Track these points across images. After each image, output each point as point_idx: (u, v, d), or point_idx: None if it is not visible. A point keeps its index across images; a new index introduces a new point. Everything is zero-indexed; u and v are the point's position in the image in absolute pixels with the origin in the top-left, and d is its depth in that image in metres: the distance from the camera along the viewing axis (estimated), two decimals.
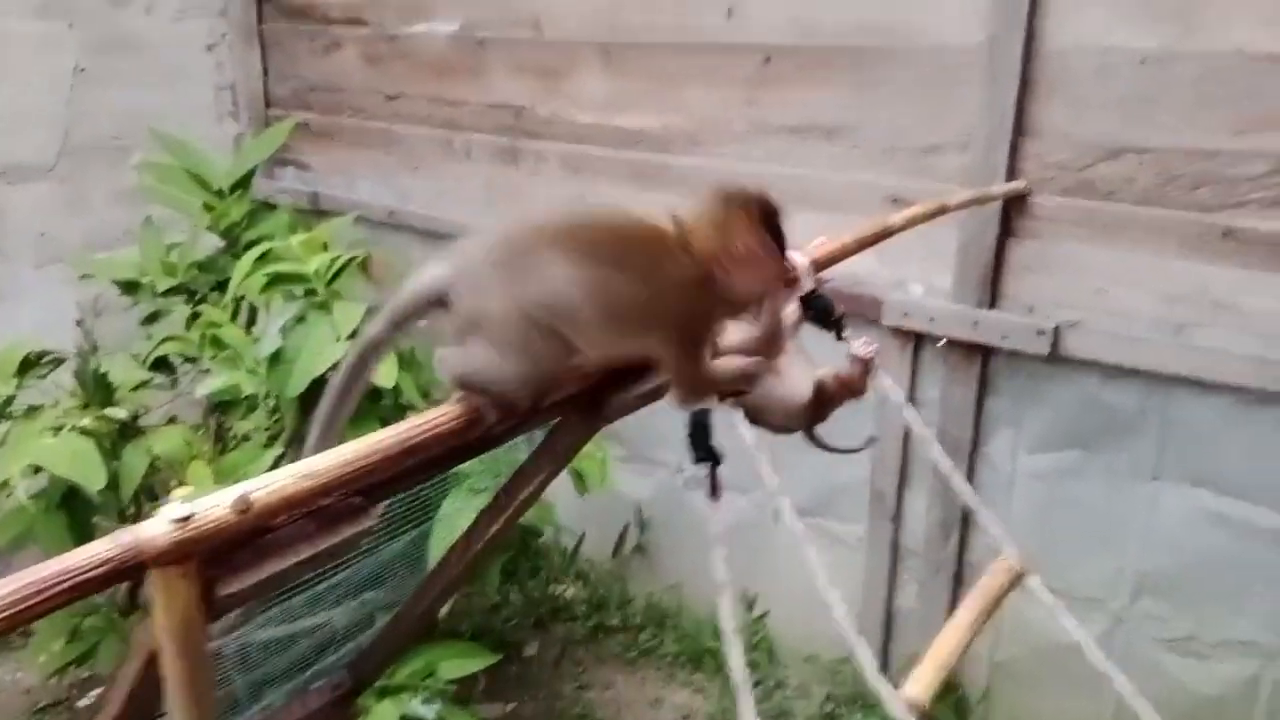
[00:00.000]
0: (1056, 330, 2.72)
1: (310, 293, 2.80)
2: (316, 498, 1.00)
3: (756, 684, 3.51)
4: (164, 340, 3.00)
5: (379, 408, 2.70)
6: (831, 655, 3.46)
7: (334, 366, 2.67)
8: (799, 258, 1.69)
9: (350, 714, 2.19)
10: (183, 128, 3.74)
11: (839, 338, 1.76)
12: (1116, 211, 2.60)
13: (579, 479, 3.10)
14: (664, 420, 1.75)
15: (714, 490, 1.51)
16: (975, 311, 2.84)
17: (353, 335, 2.69)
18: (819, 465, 3.33)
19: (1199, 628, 2.78)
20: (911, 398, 3.07)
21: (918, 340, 3.00)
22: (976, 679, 3.21)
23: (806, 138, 3.09)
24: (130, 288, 3.22)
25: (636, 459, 3.74)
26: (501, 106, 3.74)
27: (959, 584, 3.15)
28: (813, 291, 1.71)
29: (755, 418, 1.82)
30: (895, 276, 3.02)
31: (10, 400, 2.61)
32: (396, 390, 2.69)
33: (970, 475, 3.02)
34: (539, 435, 1.60)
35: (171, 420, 3.00)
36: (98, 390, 2.61)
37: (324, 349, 2.65)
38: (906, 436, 3.11)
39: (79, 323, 2.66)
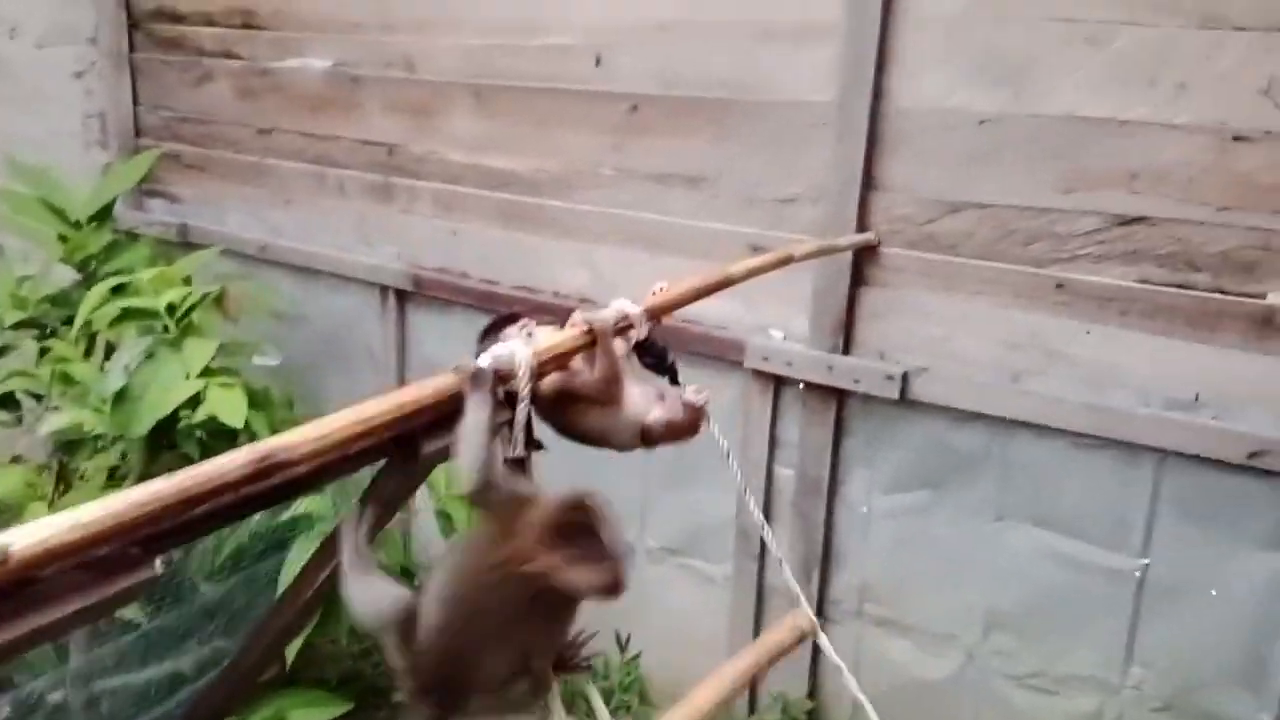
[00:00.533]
0: (905, 375, 2.82)
1: (164, 329, 2.74)
2: (85, 549, 0.98)
3: None
4: (9, 375, 2.89)
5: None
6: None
7: (184, 405, 2.63)
8: (631, 306, 1.72)
9: None
10: (48, 155, 3.64)
11: (673, 382, 1.79)
12: (958, 264, 2.72)
13: (446, 520, 3.08)
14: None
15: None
16: (830, 356, 2.93)
17: (204, 373, 2.64)
18: (687, 505, 3.39)
19: (1045, 663, 2.89)
20: (772, 437, 3.14)
21: (778, 383, 3.08)
22: (841, 714, 3.27)
23: (671, 185, 3.16)
24: None
25: None
26: (374, 144, 3.74)
27: (822, 621, 3.21)
28: (647, 339, 1.74)
29: (600, 442, 1.83)
30: (757, 321, 3.09)
31: None
32: (249, 429, 2.64)
33: (829, 515, 3.10)
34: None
35: (15, 459, 2.88)
36: None
37: (172, 386, 2.59)
38: (770, 475, 3.18)
39: None
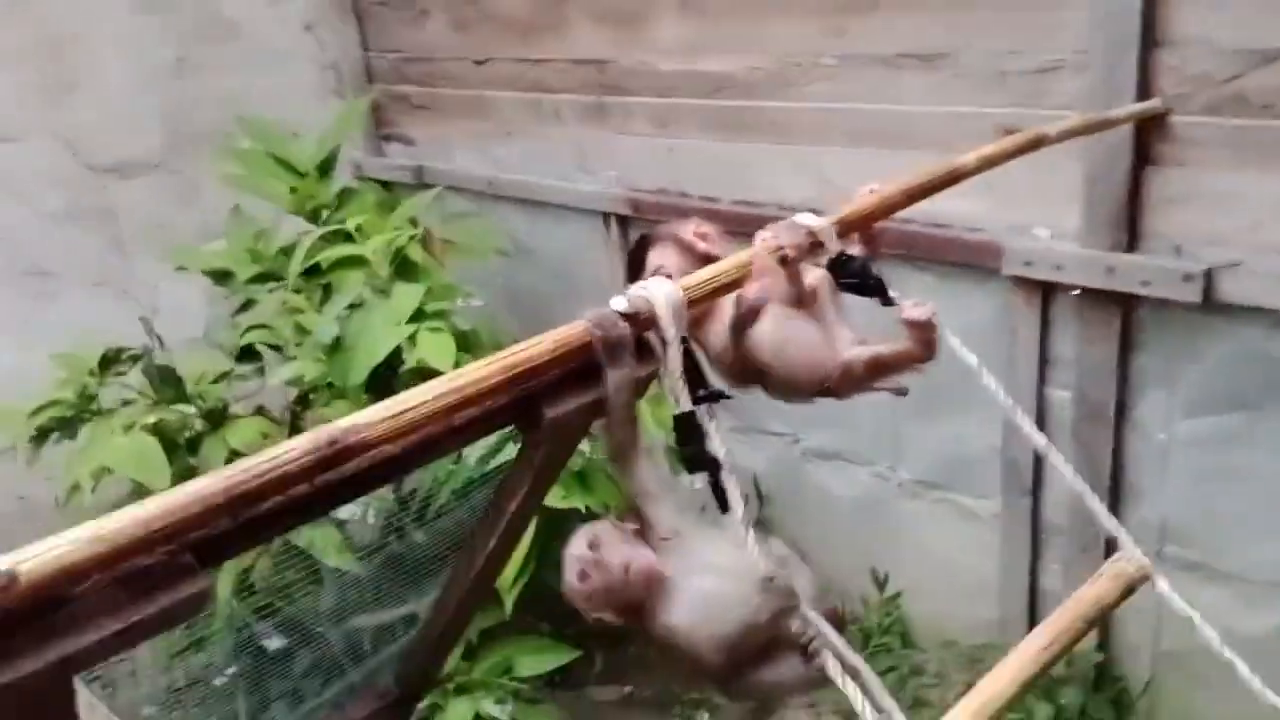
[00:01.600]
0: (1209, 273, 2.28)
1: (380, 277, 2.69)
2: (112, 564, 0.84)
3: (890, 669, 3.23)
4: (249, 329, 2.97)
5: None
6: (972, 640, 3.12)
7: (395, 352, 2.57)
8: (815, 220, 1.40)
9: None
10: (288, 111, 3.72)
11: (884, 303, 1.46)
12: (1276, 129, 2.13)
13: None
14: None
15: (722, 502, 1.26)
16: (1110, 256, 2.42)
17: (414, 318, 2.56)
18: (945, 434, 3.00)
19: None
20: (1043, 356, 2.68)
21: (1046, 291, 2.60)
22: (1138, 670, 2.82)
23: (903, 68, 2.71)
24: (221, 277, 3.21)
25: (749, 430, 3.48)
26: (585, 62, 3.52)
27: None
28: (841, 255, 1.41)
29: (777, 391, 1.53)
30: (1017, 219, 2.63)
31: (93, 399, 2.63)
32: None
33: (1117, 444, 2.62)
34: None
35: (258, 410, 2.97)
36: (166, 386, 2.59)
37: (383, 333, 2.53)
38: (1041, 400, 2.73)
39: (143, 319, 2.65)
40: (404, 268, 2.79)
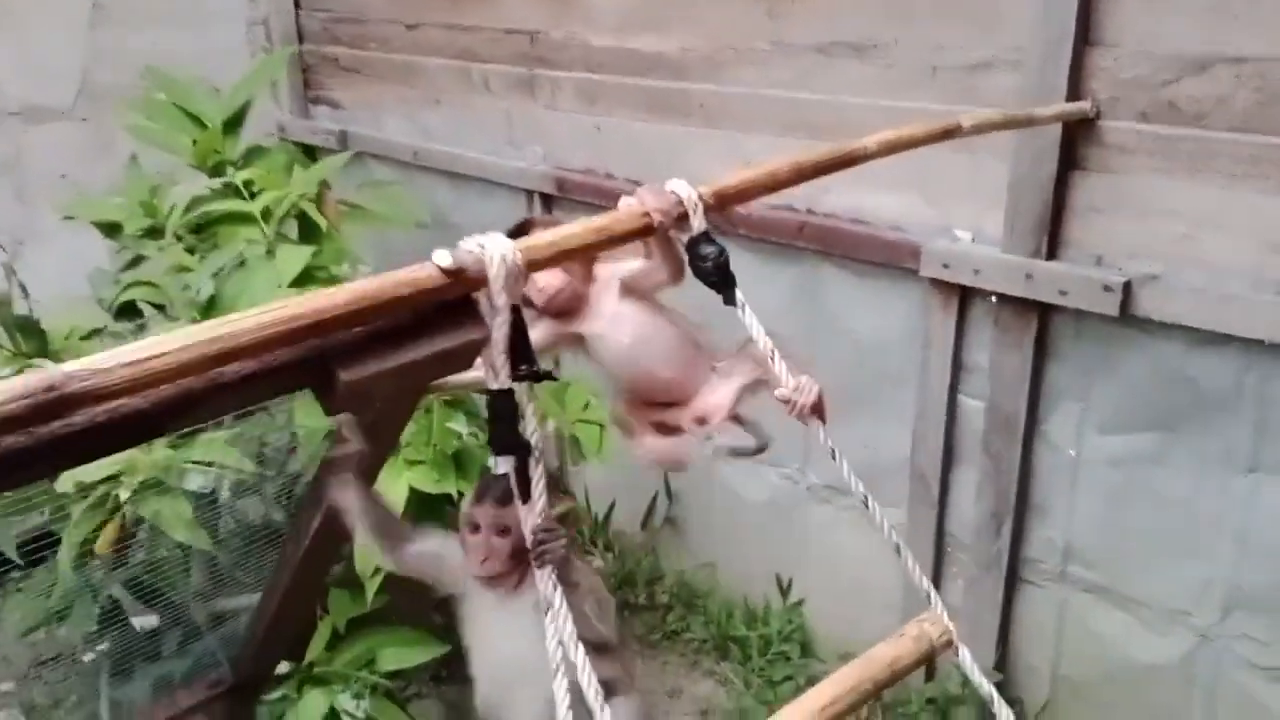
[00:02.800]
0: (1129, 285, 2.20)
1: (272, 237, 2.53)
2: None
3: (787, 678, 3.12)
4: (131, 285, 2.79)
5: None
6: None
7: None
8: (686, 188, 1.27)
9: (245, 710, 1.94)
10: (215, 67, 3.53)
11: (726, 301, 1.33)
12: (1206, 139, 2.06)
13: (575, 445, 2.77)
14: None
15: (523, 490, 1.13)
16: (1029, 262, 2.33)
17: (299, 281, 2.41)
18: (855, 438, 2.89)
19: None
20: (956, 362, 2.59)
21: (964, 295, 2.51)
22: (1035, 692, 2.74)
23: (836, 56, 2.61)
24: (112, 230, 3.03)
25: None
26: (516, 32, 3.38)
27: (1013, 585, 2.68)
28: (704, 234, 1.29)
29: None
30: (938, 220, 2.53)
31: None
32: None
33: (1026, 457, 2.53)
34: None
35: None
36: (28, 339, 2.41)
37: (262, 297, 2.37)
38: (953, 407, 2.64)
39: (4, 264, 2.47)
40: (301, 230, 2.63)
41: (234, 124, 3.17)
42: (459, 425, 2.12)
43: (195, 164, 3.11)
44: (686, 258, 1.31)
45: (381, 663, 2.28)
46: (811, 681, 3.24)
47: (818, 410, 1.39)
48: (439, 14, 3.62)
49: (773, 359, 1.34)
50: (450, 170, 3.70)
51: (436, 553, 1.68)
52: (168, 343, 0.86)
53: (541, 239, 1.14)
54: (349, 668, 2.28)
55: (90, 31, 3.76)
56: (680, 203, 1.26)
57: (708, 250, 1.27)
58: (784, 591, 3.25)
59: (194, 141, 3.08)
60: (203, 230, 2.91)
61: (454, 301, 1.07)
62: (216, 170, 3.13)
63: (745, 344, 1.63)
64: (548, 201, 3.43)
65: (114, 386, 0.83)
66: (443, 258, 1.04)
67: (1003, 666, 2.73)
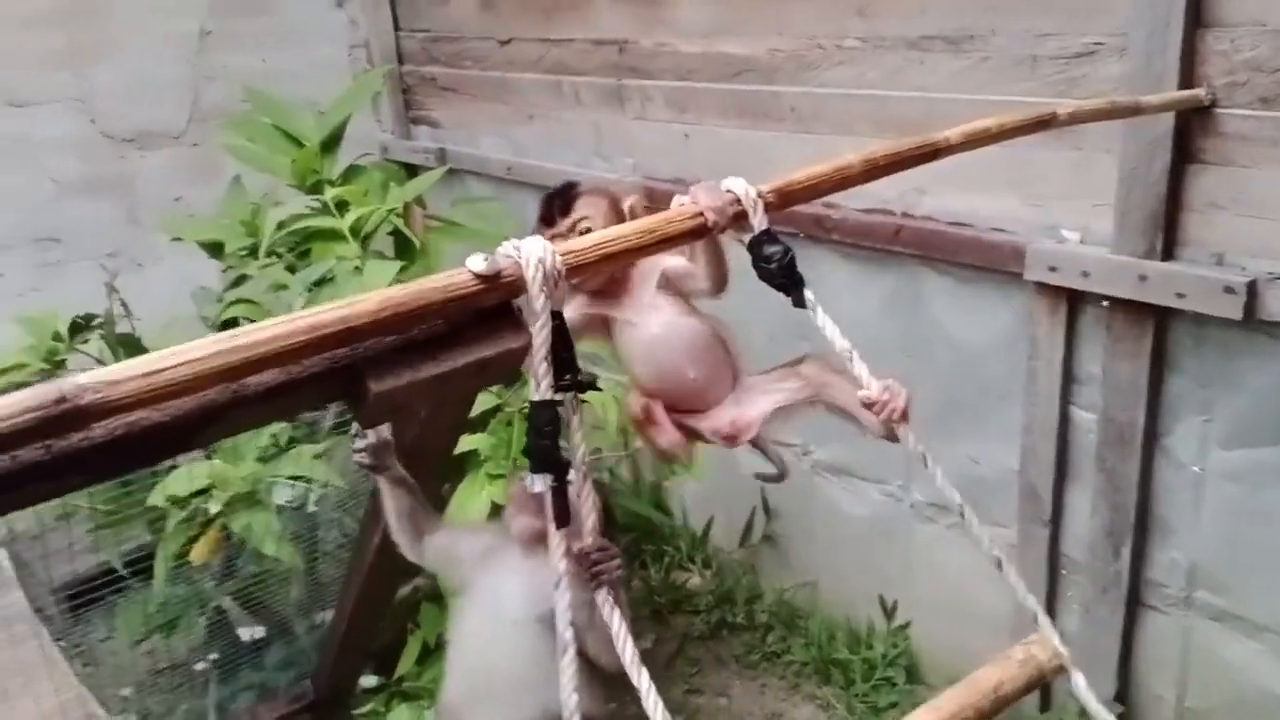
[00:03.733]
0: (1253, 285, 2.02)
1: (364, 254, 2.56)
2: None
3: (892, 705, 2.99)
4: (233, 303, 2.86)
5: None
6: None
7: None
8: (744, 186, 1.20)
9: None
10: (315, 89, 3.62)
11: (796, 303, 1.26)
12: None
13: (668, 460, 2.71)
14: None
15: (559, 515, 1.07)
16: (1143, 263, 2.17)
17: None
18: (960, 453, 2.75)
19: None
20: (1067, 371, 2.44)
21: (1072, 300, 2.36)
22: None
23: (929, 50, 2.49)
24: (215, 249, 3.12)
25: None
26: (606, 42, 3.35)
27: (1134, 610, 2.49)
28: (766, 233, 1.21)
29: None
30: (1043, 220, 2.39)
31: (60, 364, 2.54)
32: None
33: (1145, 473, 2.36)
34: None
35: None
36: (130, 356, 2.49)
37: None
38: (1065, 419, 2.48)
39: (107, 284, 2.55)
40: (396, 246, 2.65)
41: (331, 143, 3.23)
42: None
43: (294, 183, 3.18)
44: (750, 258, 1.24)
45: None
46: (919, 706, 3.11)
47: (906, 415, 1.30)
48: (531, 28, 3.63)
49: (851, 360, 1.26)
50: (541, 184, 3.68)
51: (446, 546, 1.65)
52: (183, 353, 0.84)
53: (585, 241, 1.09)
54: (439, 683, 2.27)
55: (198, 56, 3.90)
56: (737, 201, 1.19)
57: (771, 250, 1.20)
58: (888, 613, 3.11)
59: (292, 161, 3.14)
60: (298, 248, 2.97)
61: (492, 308, 1.02)
62: (314, 189, 3.19)
63: (796, 361, 1.56)
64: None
65: (127, 398, 0.81)
66: (476, 262, 0.99)
67: (1124, 697, 2.54)
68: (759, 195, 1.20)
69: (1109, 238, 2.24)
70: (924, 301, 2.68)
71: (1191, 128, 2.07)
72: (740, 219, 1.19)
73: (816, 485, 3.17)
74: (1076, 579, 2.58)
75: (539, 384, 1.04)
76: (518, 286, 1.02)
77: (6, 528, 3.71)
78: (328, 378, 0.94)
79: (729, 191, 1.19)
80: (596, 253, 1.09)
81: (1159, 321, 2.22)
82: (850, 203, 2.76)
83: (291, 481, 2.11)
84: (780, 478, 1.69)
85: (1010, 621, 2.73)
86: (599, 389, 1.12)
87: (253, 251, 3.03)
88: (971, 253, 2.49)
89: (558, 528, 1.07)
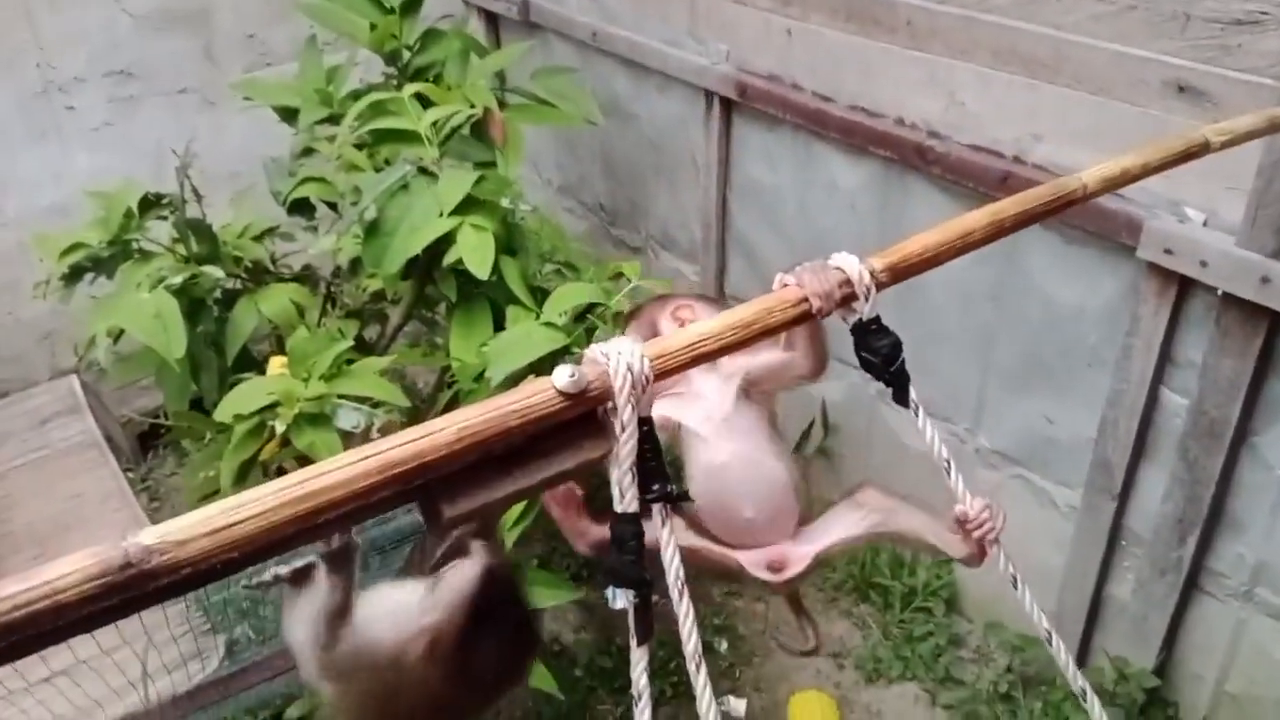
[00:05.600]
0: None
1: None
2: None
3: (928, 635, 3.04)
4: (303, 181, 2.78)
5: (474, 296, 2.36)
6: (1020, 628, 2.89)
7: (436, 242, 2.35)
8: (854, 264, 1.10)
9: None
10: None
11: (898, 400, 1.17)
12: None
13: None
14: None
15: (641, 630, 1.04)
16: (1269, 263, 2.01)
17: (458, 209, 2.33)
18: (1034, 409, 2.67)
19: None
20: (1164, 353, 2.31)
21: (1183, 285, 2.21)
22: (1195, 703, 2.56)
23: None
24: (288, 115, 3.01)
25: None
26: None
27: (1190, 593, 2.46)
28: (874, 321, 1.12)
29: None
30: (1166, 192, 2.20)
31: (128, 243, 2.51)
32: (499, 278, 2.33)
33: (1227, 470, 2.27)
34: None
35: (304, 272, 2.82)
36: (201, 242, 2.45)
37: (424, 225, 2.32)
38: (1152, 400, 2.37)
39: (178, 168, 2.48)
40: (464, 143, 2.53)
41: (412, 5, 3.05)
42: None
43: (373, 48, 3.02)
44: (853, 343, 1.14)
45: None
46: (954, 642, 3.16)
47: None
48: None
49: (950, 472, 1.19)
50: (629, 58, 3.50)
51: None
52: (252, 505, 0.80)
53: (676, 341, 1.01)
54: None
55: None
56: (847, 282, 1.09)
57: (881, 343, 1.10)
58: None
59: (371, 25, 2.98)
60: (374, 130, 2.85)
61: (574, 417, 0.96)
62: (392, 56, 3.04)
63: (854, 490, 1.48)
64: (727, 106, 3.20)
65: (195, 558, 0.78)
66: (561, 378, 0.92)
67: (1163, 671, 2.55)
68: (871, 276, 1.09)
69: (1236, 227, 2.07)
70: (1021, 253, 2.53)
71: None
72: (847, 301, 1.09)
73: (880, 412, 3.12)
74: (1136, 553, 2.54)
75: (623, 496, 0.99)
76: (603, 396, 0.95)
77: (76, 356, 3.82)
78: (399, 499, 0.90)
79: (838, 270, 1.09)
80: (688, 353, 1.01)
81: (1273, 324, 2.08)
82: (957, 135, 2.57)
83: (357, 405, 2.10)
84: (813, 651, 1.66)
85: (1060, 575, 2.72)
86: (691, 500, 1.06)
87: (327, 120, 2.93)
88: (1083, 215, 2.31)
89: (639, 644, 1.04)
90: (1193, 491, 2.32)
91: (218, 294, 2.52)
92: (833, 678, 2.99)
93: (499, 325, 2.40)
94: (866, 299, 1.09)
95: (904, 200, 2.75)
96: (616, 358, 0.95)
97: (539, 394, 0.92)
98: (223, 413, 2.06)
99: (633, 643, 1.04)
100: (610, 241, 4.03)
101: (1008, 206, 1.22)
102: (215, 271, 2.40)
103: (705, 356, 1.02)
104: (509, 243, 2.39)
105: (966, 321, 2.73)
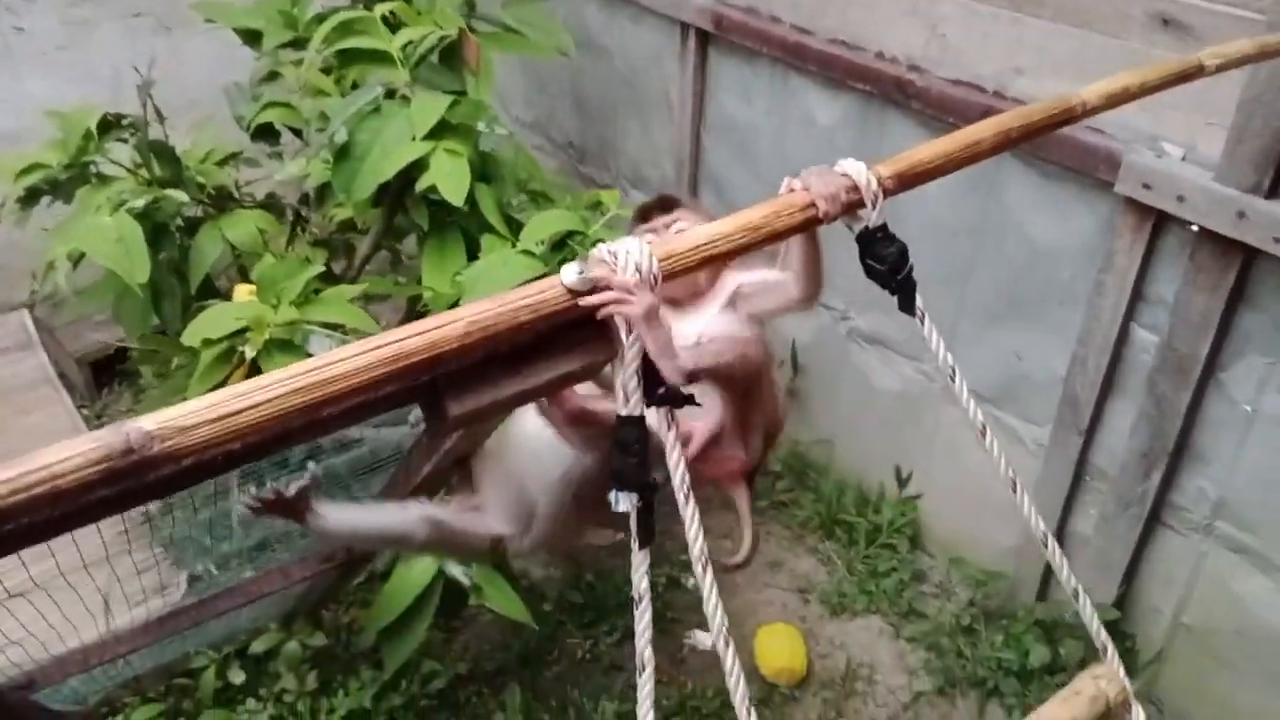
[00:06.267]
0: None
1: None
2: None
3: (891, 570, 3.08)
4: (267, 105, 2.70)
5: (447, 225, 2.31)
6: (982, 563, 2.94)
7: (407, 168, 2.30)
8: (861, 170, 1.08)
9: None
10: None
11: (904, 308, 1.16)
12: None
13: None
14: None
15: (643, 534, 1.03)
16: (1246, 198, 2.02)
17: (434, 133, 2.27)
18: (1004, 346, 2.69)
19: None
20: (1137, 290, 2.33)
21: (1158, 219, 2.22)
22: (1152, 635, 2.62)
23: None
24: (251, 37, 2.91)
25: None
26: None
27: (1152, 526, 2.51)
28: (881, 230, 1.10)
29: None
30: (1146, 127, 2.21)
31: (86, 165, 2.42)
32: (473, 206, 2.28)
33: (1194, 405, 2.30)
34: None
35: (268, 200, 2.75)
36: (163, 165, 2.37)
37: (396, 149, 2.26)
38: (1123, 336, 2.40)
39: (140, 86, 2.39)
40: (433, 70, 2.46)
41: None
42: None
43: None
44: (858, 252, 1.13)
45: None
46: (917, 577, 3.20)
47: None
48: None
49: (953, 378, 1.18)
50: None
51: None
52: (257, 393, 0.77)
53: (683, 242, 0.99)
54: None
55: None
56: (854, 188, 1.07)
57: (887, 250, 1.09)
58: (901, 482, 3.15)
59: None
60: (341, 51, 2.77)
61: (580, 317, 0.93)
62: None
63: None
64: (703, 39, 3.15)
65: (198, 445, 0.75)
66: (570, 275, 0.90)
67: (1122, 605, 2.61)
68: (879, 182, 1.07)
69: (1214, 162, 2.08)
70: (1000, 188, 2.53)
71: None
72: (854, 208, 1.08)
73: (850, 351, 3.13)
74: (1100, 488, 2.58)
75: (628, 398, 0.97)
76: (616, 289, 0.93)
77: (32, 289, 3.70)
78: (404, 395, 0.87)
79: (844, 176, 1.07)
80: (696, 255, 0.99)
81: (1247, 259, 2.10)
82: (937, 69, 2.56)
83: (329, 332, 2.06)
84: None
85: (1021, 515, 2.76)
86: (696, 403, 1.05)
87: (292, 44, 2.83)
88: (1061, 151, 2.32)
89: (640, 548, 1.03)
90: (1159, 427, 2.36)
91: (180, 220, 2.44)
92: (799, 612, 3.02)
93: (472, 255, 2.36)
94: (874, 206, 1.07)
95: (882, 135, 2.74)
96: (625, 256, 0.93)
97: (549, 290, 0.90)
98: (191, 336, 2.00)
99: (634, 545, 1.03)
100: (580, 180, 3.97)
101: (1012, 119, 1.21)
102: (179, 195, 2.32)
103: (714, 258, 1.00)
104: (483, 170, 2.34)
105: (942, 257, 2.73)
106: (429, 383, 0.87)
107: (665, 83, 3.39)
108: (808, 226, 1.06)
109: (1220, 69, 1.50)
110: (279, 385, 0.77)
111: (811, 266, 1.32)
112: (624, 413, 0.97)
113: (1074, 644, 2.62)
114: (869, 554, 3.12)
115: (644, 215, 1.38)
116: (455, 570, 2.23)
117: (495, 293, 2.07)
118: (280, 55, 2.85)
